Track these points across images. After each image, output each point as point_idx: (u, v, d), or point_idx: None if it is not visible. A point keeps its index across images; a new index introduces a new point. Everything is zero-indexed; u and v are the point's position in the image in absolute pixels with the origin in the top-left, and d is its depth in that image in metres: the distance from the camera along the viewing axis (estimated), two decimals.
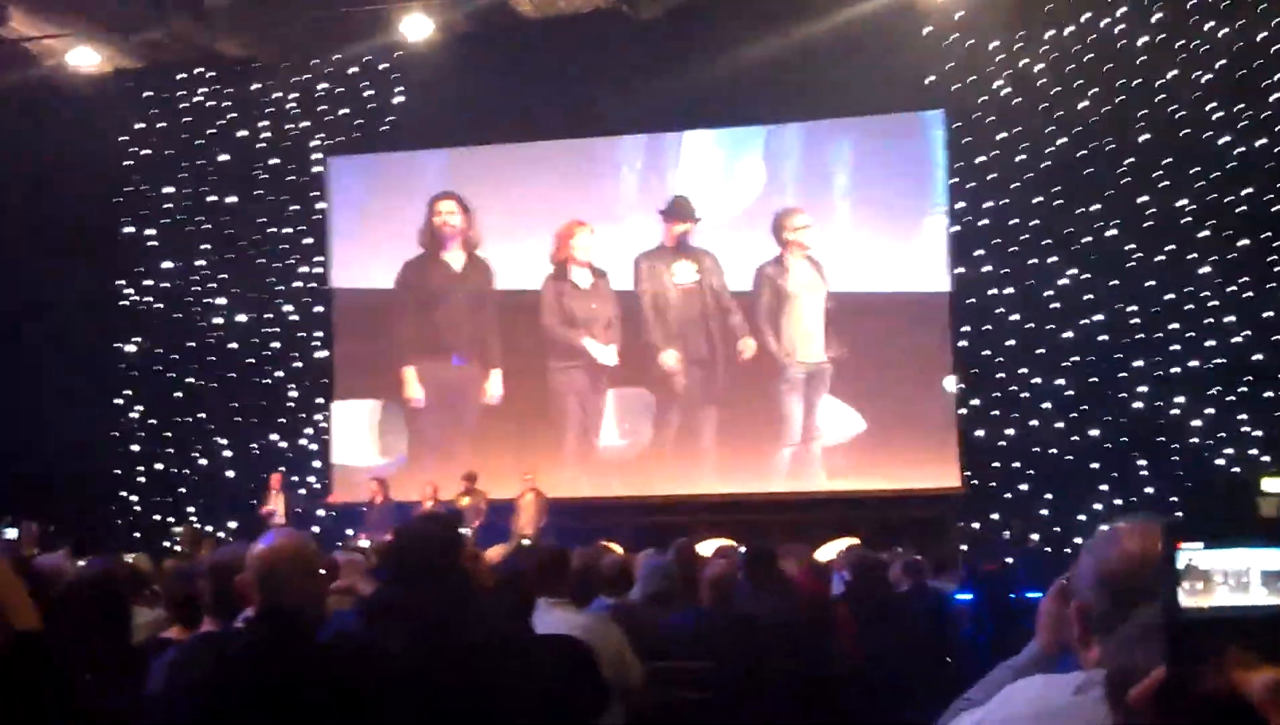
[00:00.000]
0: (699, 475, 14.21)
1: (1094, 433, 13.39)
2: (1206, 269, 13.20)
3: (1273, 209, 13.02)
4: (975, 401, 13.81)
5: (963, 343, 13.80)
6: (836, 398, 13.87)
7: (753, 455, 14.05)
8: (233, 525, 14.92)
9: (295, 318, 15.77)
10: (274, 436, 15.55)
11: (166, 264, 16.06)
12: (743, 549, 7.55)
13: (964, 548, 12.88)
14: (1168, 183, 13.27)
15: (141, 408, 16.00)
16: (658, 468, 14.33)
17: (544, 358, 14.56)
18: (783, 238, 14.06)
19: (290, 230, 15.81)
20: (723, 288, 14.22)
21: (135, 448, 15.94)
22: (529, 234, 14.75)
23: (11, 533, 12.15)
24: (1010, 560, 11.43)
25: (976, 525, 13.53)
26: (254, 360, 15.72)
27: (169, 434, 15.84)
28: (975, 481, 13.60)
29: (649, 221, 14.43)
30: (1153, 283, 13.34)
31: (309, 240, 15.78)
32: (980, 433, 13.71)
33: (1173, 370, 13.25)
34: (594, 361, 14.42)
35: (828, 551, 11.07)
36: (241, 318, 15.82)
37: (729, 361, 14.14)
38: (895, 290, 13.81)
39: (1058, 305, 13.64)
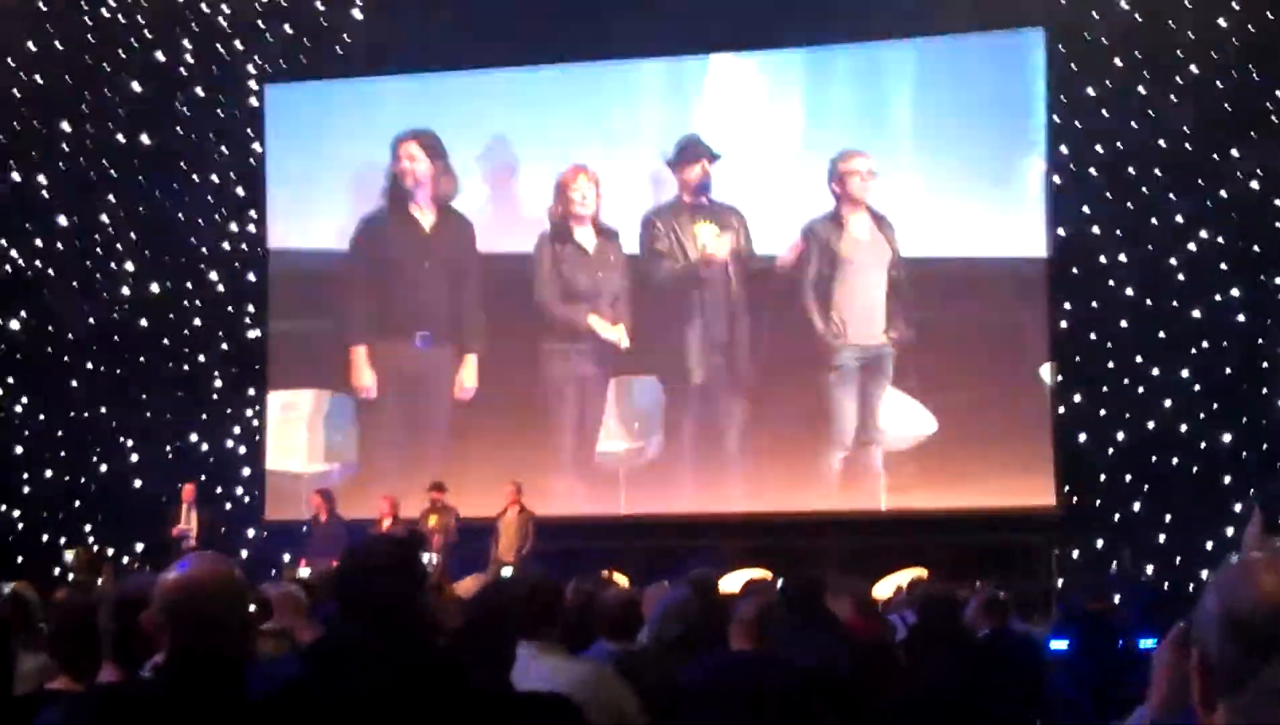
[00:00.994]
0: (725, 488, 14.23)
1: (1227, 438, 13.35)
2: None
3: None
4: (1077, 398, 13.78)
5: (1064, 323, 13.76)
6: (900, 391, 13.85)
7: (793, 463, 14.05)
8: (140, 548, 14.97)
9: (221, 288, 15.80)
10: (193, 437, 15.59)
11: (61, 220, 16.09)
12: (780, 582, 7.55)
13: (1060, 583, 12.85)
14: None
15: (27, 400, 16.05)
16: (673, 478, 14.34)
17: (535, 339, 14.58)
18: (842, 188, 14.02)
19: (217, 178, 15.83)
20: (750, 253, 14.21)
21: (19, 450, 15.99)
22: (518, 184, 14.76)
23: None
24: (1118, 599, 11.39)
25: (1076, 554, 13.50)
26: (169, 341, 15.75)
27: (61, 433, 15.89)
28: (1075, 499, 13.57)
29: (667, 167, 14.42)
30: None
31: (240, 191, 15.80)
32: (1083, 437, 13.68)
33: None
34: (599, 344, 14.44)
35: (887, 586, 11.07)
36: (154, 288, 15.86)
37: (757, 345, 14.14)
38: (978, 255, 13.78)
39: (1184, 277, 13.58)
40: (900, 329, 13.86)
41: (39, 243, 16.15)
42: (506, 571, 11.73)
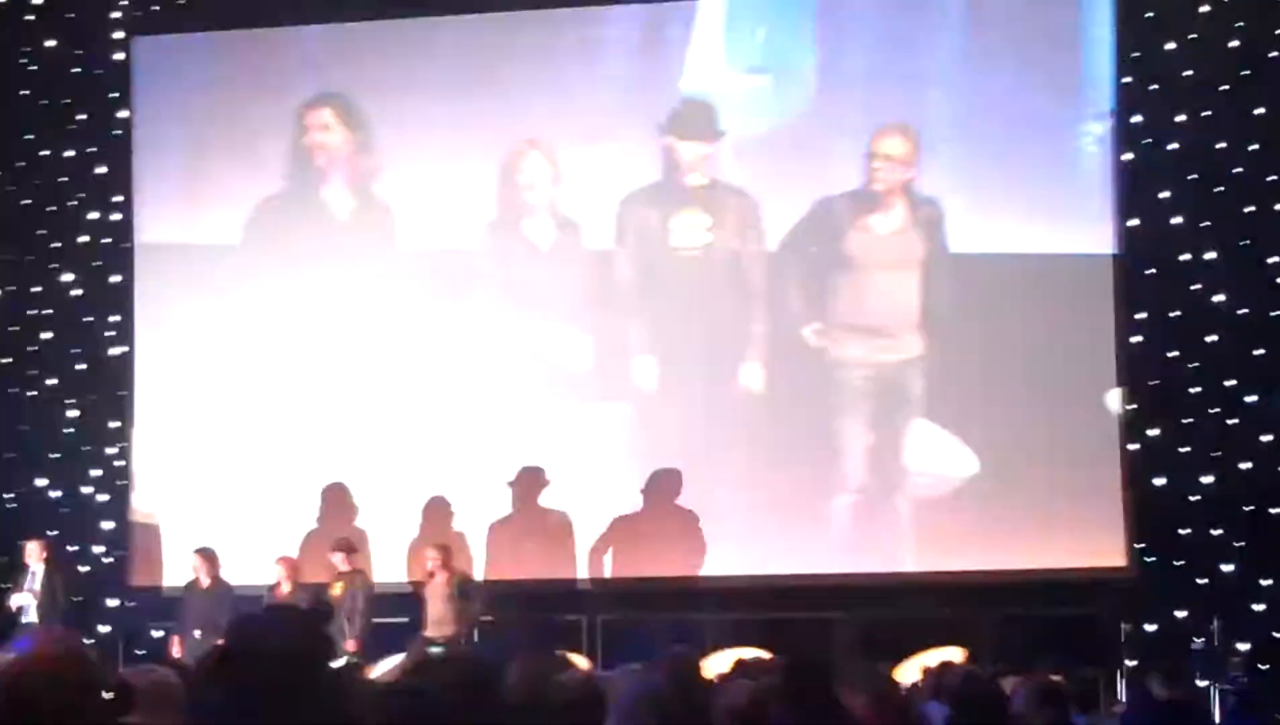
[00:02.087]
0: (710, 545, 14.17)
1: None
2: None
3: None
4: (1154, 431, 13.80)
5: (1136, 337, 13.80)
6: (932, 422, 13.89)
7: (797, 514, 14.04)
8: None
9: (78, 292, 15.72)
10: (40, 481, 15.50)
11: None
12: (779, 664, 7.56)
13: (1131, 664, 12.88)
14: None
15: None
16: (646, 532, 14.33)
17: (475, 356, 14.57)
18: (871, 166, 14.07)
19: (73, 152, 15.79)
20: (745, 250, 14.24)
21: None
22: (456, 162, 14.73)
23: None
24: (1205, 684, 11.42)
25: (1152, 628, 13.53)
26: (11, 359, 15.68)
27: None
28: (1151, 559, 13.59)
29: (646, 141, 14.46)
30: None
31: (101, 169, 15.75)
32: (1161, 481, 13.71)
33: None
34: (555, 362, 14.43)
35: (913, 670, 11.07)
36: None
37: (756, 365, 14.13)
38: (1028, 251, 13.83)
39: None
40: (930, 341, 13.89)
41: None
42: (435, 651, 11.72)
